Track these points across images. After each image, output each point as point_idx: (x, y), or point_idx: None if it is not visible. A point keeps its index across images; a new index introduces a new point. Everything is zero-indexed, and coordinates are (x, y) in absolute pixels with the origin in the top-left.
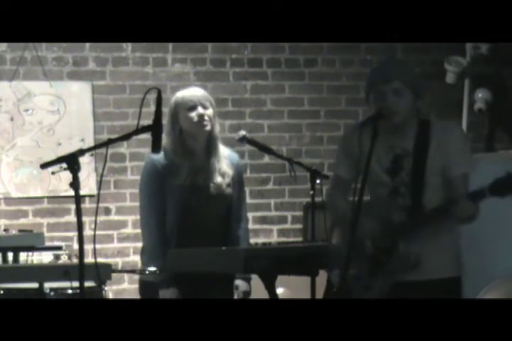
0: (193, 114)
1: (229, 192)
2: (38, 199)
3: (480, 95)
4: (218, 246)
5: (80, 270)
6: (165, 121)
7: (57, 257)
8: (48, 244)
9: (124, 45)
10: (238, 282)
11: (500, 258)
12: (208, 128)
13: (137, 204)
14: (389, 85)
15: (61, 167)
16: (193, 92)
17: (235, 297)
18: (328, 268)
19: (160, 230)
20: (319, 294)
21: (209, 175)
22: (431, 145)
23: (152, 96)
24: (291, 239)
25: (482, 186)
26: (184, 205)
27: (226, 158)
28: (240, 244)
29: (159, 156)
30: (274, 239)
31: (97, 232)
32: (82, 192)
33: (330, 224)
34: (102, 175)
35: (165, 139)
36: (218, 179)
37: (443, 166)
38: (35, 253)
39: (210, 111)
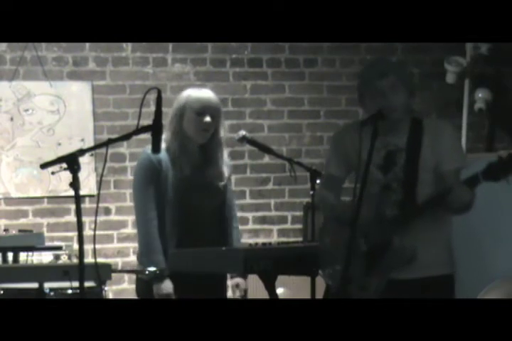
0: (199, 120)
1: (223, 192)
2: (38, 199)
3: (480, 95)
4: (213, 244)
5: (80, 270)
6: (169, 116)
7: (57, 257)
8: (48, 244)
9: (124, 45)
10: (238, 280)
11: (500, 258)
12: (208, 137)
13: None
14: (386, 81)
15: (61, 167)
16: (207, 98)
17: (236, 295)
18: (320, 268)
19: (155, 226)
20: (319, 294)
21: (205, 174)
22: (423, 142)
23: (152, 96)
24: (291, 239)
25: (475, 172)
26: (177, 203)
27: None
28: (233, 243)
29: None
30: (274, 239)
31: (97, 232)
32: (82, 192)
33: (321, 223)
34: (102, 175)
35: (165, 135)
36: (214, 179)
37: (436, 162)
38: (35, 253)
39: (215, 121)
